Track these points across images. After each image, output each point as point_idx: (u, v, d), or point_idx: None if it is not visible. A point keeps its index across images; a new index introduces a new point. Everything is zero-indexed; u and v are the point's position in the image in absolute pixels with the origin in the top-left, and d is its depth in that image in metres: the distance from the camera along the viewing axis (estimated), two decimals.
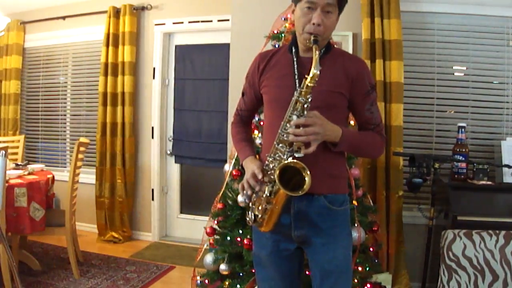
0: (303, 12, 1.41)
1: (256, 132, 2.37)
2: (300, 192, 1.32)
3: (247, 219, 1.49)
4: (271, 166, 1.39)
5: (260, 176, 1.38)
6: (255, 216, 1.44)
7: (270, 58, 1.56)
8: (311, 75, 1.32)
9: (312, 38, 1.37)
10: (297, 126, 1.32)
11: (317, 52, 1.34)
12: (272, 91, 1.51)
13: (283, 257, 1.55)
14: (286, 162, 1.34)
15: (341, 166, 1.54)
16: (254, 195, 1.45)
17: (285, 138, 1.36)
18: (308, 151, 1.32)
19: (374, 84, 1.52)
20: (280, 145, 1.37)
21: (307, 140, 1.32)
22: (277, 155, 1.38)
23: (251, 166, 1.44)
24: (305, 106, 1.34)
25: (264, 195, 1.40)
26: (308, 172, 1.32)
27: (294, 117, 1.35)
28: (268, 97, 1.54)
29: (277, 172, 1.33)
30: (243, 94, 1.68)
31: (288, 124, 1.35)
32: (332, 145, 1.41)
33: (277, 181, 1.32)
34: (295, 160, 1.34)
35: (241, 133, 1.68)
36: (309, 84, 1.33)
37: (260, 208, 1.42)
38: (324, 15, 1.39)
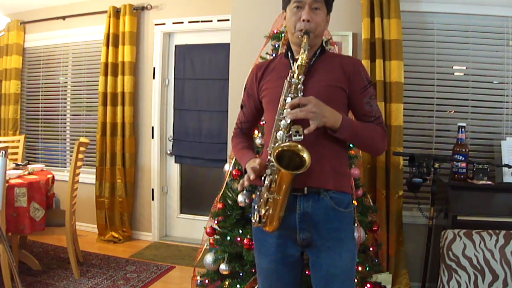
0: (293, 12, 1.47)
1: (256, 132, 2.37)
2: (303, 169, 1.29)
3: (253, 221, 1.45)
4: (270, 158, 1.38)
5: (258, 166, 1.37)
6: (260, 217, 1.41)
7: (268, 65, 1.60)
8: (302, 55, 1.37)
9: (303, 31, 1.42)
10: (294, 108, 1.33)
11: (306, 41, 1.39)
12: (270, 93, 1.52)
13: (287, 264, 1.52)
14: (281, 144, 1.33)
15: (345, 164, 1.55)
16: (258, 196, 1.43)
17: (282, 123, 1.36)
18: (310, 129, 1.31)
19: (370, 80, 1.54)
20: (279, 132, 1.37)
21: (303, 117, 1.31)
22: (276, 144, 1.37)
23: (252, 164, 1.42)
24: (299, 87, 1.37)
25: (265, 185, 1.37)
26: (305, 149, 1.31)
27: (289, 99, 1.36)
28: (267, 99, 1.54)
29: (274, 154, 1.31)
30: (242, 107, 1.70)
31: (283, 108, 1.36)
32: (333, 131, 1.40)
33: (274, 161, 1.30)
34: (289, 143, 1.33)
35: (242, 143, 1.66)
36: (299, 64, 1.36)
37: (262, 201, 1.39)
38: (313, 12, 1.44)
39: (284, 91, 1.38)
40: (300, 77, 1.37)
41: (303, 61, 1.37)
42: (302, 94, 1.37)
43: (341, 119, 1.38)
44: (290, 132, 1.34)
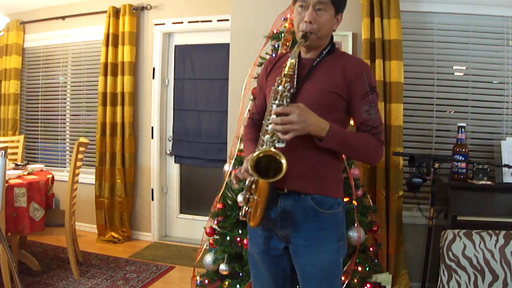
0: (297, 12, 1.47)
1: None
2: (278, 177, 1.30)
3: (240, 214, 1.48)
4: None
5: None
6: (245, 210, 1.45)
7: (277, 61, 1.61)
8: (288, 64, 1.36)
9: (302, 34, 1.43)
10: (278, 116, 1.32)
11: (301, 45, 1.41)
12: (271, 90, 1.52)
13: (273, 257, 1.54)
14: (257, 152, 1.34)
15: (334, 168, 1.51)
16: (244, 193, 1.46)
17: (267, 128, 1.36)
18: (284, 138, 1.31)
19: (374, 86, 1.48)
20: (266, 136, 1.37)
21: (282, 130, 1.30)
22: (263, 147, 1.37)
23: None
24: (284, 94, 1.36)
25: (246, 185, 1.41)
26: (282, 155, 1.31)
27: (275, 106, 1.36)
28: (268, 95, 1.54)
29: (251, 163, 1.32)
30: (254, 98, 1.72)
31: (270, 114, 1.36)
32: (319, 140, 1.37)
33: (251, 170, 1.32)
34: (265, 149, 1.34)
35: (250, 134, 1.68)
36: (285, 72, 1.36)
37: (244, 199, 1.44)
38: (316, 13, 1.43)
39: (271, 98, 1.37)
40: (286, 85, 1.35)
41: (290, 71, 1.35)
42: (289, 101, 1.36)
43: (327, 129, 1.35)
44: (274, 138, 1.35)
